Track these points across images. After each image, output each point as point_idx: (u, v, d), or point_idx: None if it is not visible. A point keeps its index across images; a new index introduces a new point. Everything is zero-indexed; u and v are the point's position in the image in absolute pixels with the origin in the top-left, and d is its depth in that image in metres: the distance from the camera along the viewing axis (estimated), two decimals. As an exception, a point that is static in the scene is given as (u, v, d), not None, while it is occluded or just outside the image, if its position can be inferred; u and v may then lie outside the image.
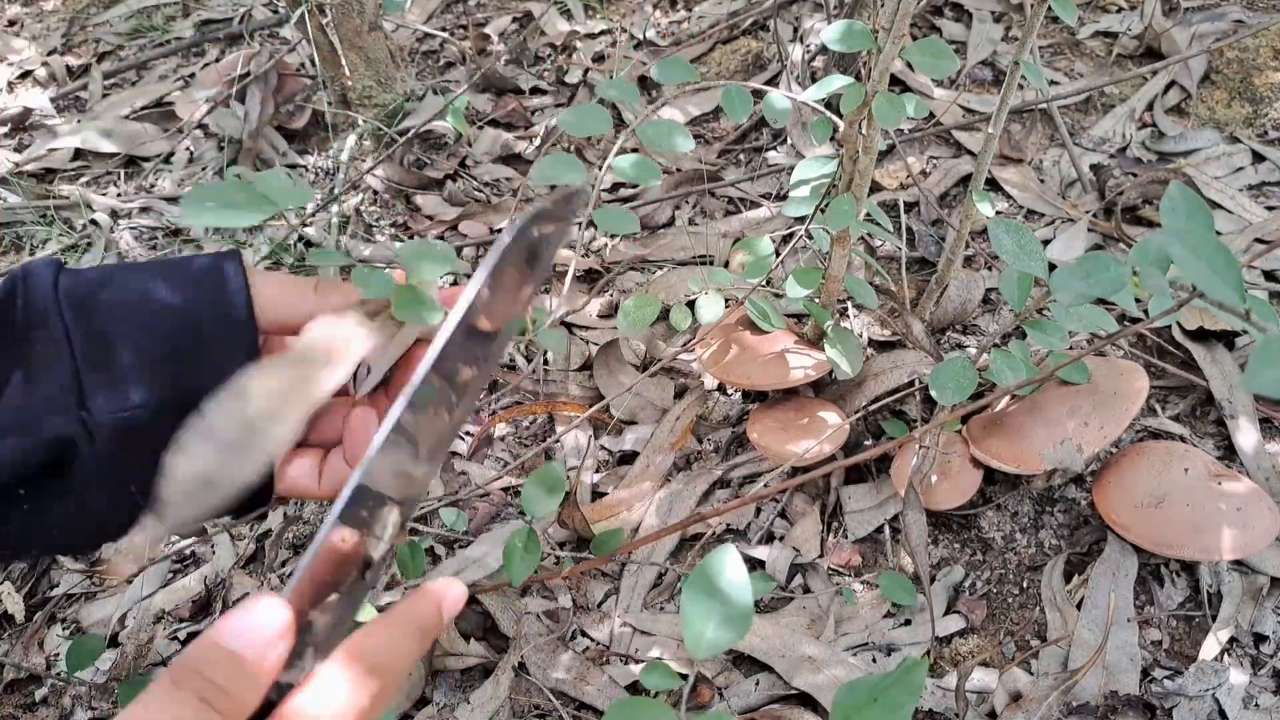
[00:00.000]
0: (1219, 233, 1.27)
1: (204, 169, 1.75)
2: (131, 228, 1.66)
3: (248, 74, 1.79)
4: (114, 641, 1.09)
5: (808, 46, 1.65)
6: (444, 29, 2.00)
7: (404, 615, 0.47)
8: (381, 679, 0.44)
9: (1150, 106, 1.48)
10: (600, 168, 1.62)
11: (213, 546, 1.16)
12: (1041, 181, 1.41)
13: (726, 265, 1.36)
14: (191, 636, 1.08)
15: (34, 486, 0.54)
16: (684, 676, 0.88)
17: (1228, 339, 1.12)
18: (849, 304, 1.24)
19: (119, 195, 1.74)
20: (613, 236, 1.48)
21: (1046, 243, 1.31)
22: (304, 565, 0.45)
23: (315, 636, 0.45)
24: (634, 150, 0.75)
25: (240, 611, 0.42)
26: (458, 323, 0.51)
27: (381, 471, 0.48)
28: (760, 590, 0.98)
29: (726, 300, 1.09)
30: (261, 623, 0.42)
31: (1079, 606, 0.94)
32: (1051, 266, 1.17)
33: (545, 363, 1.31)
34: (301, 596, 0.44)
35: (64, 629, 1.13)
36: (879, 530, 1.05)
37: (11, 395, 0.53)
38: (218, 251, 0.58)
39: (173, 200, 1.70)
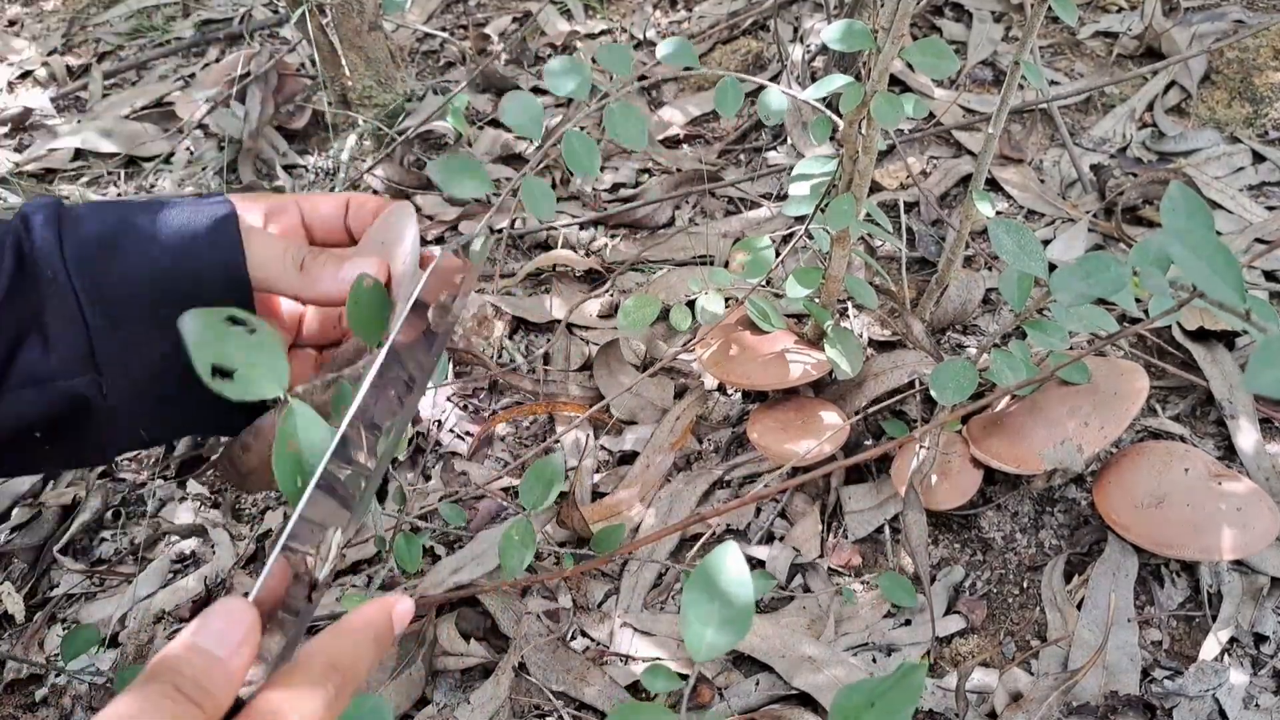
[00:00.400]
0: (1219, 233, 1.27)
1: (204, 169, 1.75)
2: (131, 228, 1.66)
3: (248, 74, 1.79)
4: (114, 641, 1.09)
5: (808, 46, 1.65)
6: (444, 29, 2.00)
7: (362, 622, 0.49)
8: (344, 681, 0.45)
9: (1150, 106, 1.48)
10: (599, 168, 1.62)
11: (213, 547, 1.16)
12: (1042, 181, 1.41)
13: (726, 265, 1.36)
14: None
15: (52, 431, 0.59)
16: (684, 677, 0.88)
17: (1228, 339, 1.12)
18: (849, 304, 1.24)
19: (119, 195, 1.74)
20: (613, 236, 1.48)
21: (1047, 243, 1.31)
22: (261, 579, 0.47)
23: (268, 653, 0.46)
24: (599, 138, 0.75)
25: (211, 612, 0.44)
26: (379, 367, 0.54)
27: (317, 508, 0.51)
28: (761, 589, 0.98)
29: (726, 300, 1.09)
30: (233, 622, 0.44)
31: (1079, 606, 0.94)
32: (1052, 267, 1.17)
33: (545, 363, 1.31)
34: (261, 605, 0.46)
35: (64, 629, 1.13)
36: (879, 530, 1.05)
37: (29, 356, 0.57)
38: (216, 203, 0.61)
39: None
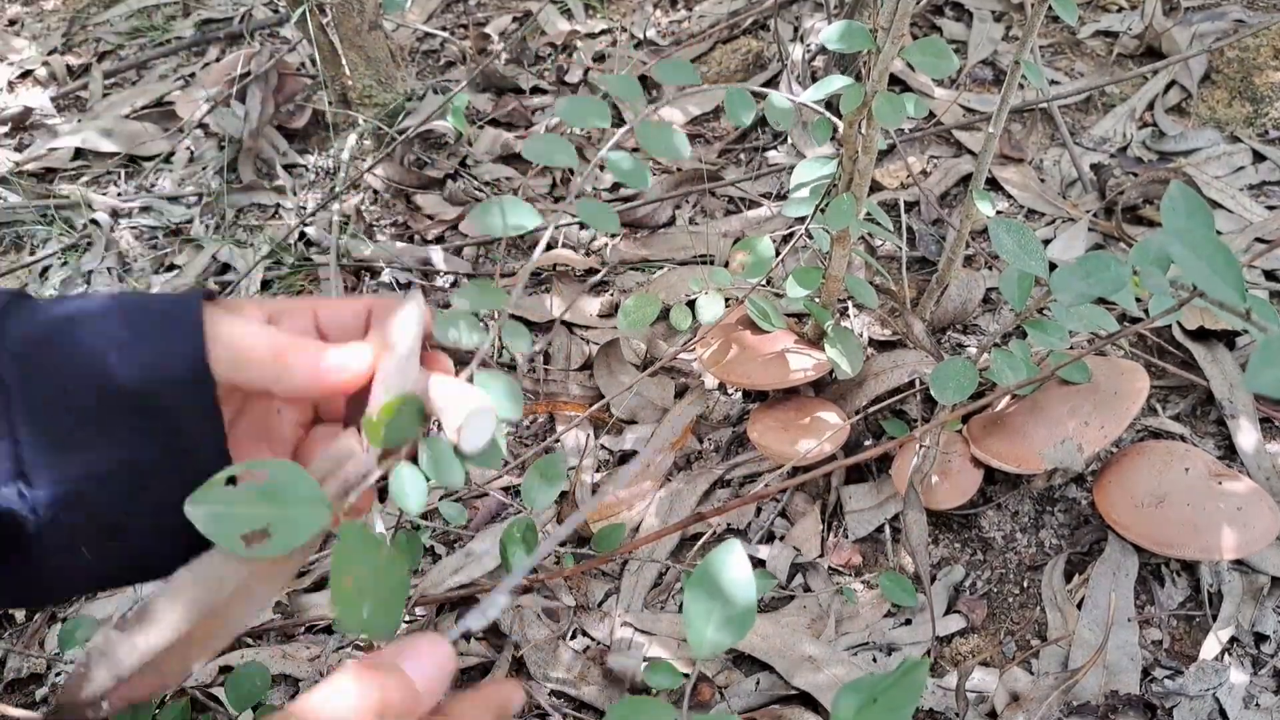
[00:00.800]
0: (1219, 232, 1.27)
1: (204, 168, 1.75)
2: (132, 227, 1.66)
3: (248, 73, 1.79)
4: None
5: (808, 46, 1.65)
6: (444, 28, 2.00)
7: (495, 700, 0.50)
8: None
9: (1151, 106, 1.48)
10: (600, 168, 1.62)
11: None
12: (1042, 181, 1.41)
13: (727, 265, 1.36)
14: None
15: None
16: (685, 675, 0.88)
17: (1228, 339, 1.12)
18: (849, 304, 1.24)
19: (119, 195, 1.74)
20: (613, 236, 1.48)
21: (1047, 242, 1.31)
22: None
23: None
24: (633, 150, 0.75)
25: (422, 643, 0.46)
26: None
27: None
28: (762, 588, 0.98)
29: (727, 300, 1.09)
30: (438, 660, 0.46)
31: (1079, 606, 0.94)
32: (1052, 266, 1.17)
33: (545, 362, 1.31)
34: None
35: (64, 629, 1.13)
36: (879, 530, 1.05)
37: None
38: (182, 295, 0.53)
39: (173, 200, 1.70)
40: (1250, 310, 0.51)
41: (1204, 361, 1.10)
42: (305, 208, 1.62)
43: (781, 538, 1.06)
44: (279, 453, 0.58)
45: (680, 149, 0.74)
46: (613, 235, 1.48)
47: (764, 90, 0.84)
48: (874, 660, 0.94)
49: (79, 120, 1.92)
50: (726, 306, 1.08)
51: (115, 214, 1.68)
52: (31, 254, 1.64)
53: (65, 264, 1.60)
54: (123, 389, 0.49)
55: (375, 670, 0.43)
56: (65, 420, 0.49)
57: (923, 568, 0.96)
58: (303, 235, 1.57)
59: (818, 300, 1.05)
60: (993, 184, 1.41)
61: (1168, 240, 0.51)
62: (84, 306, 0.51)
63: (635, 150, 0.78)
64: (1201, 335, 1.12)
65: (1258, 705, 0.86)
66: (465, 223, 0.76)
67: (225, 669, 1.02)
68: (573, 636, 1.01)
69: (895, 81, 1.58)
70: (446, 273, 1.46)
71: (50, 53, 2.14)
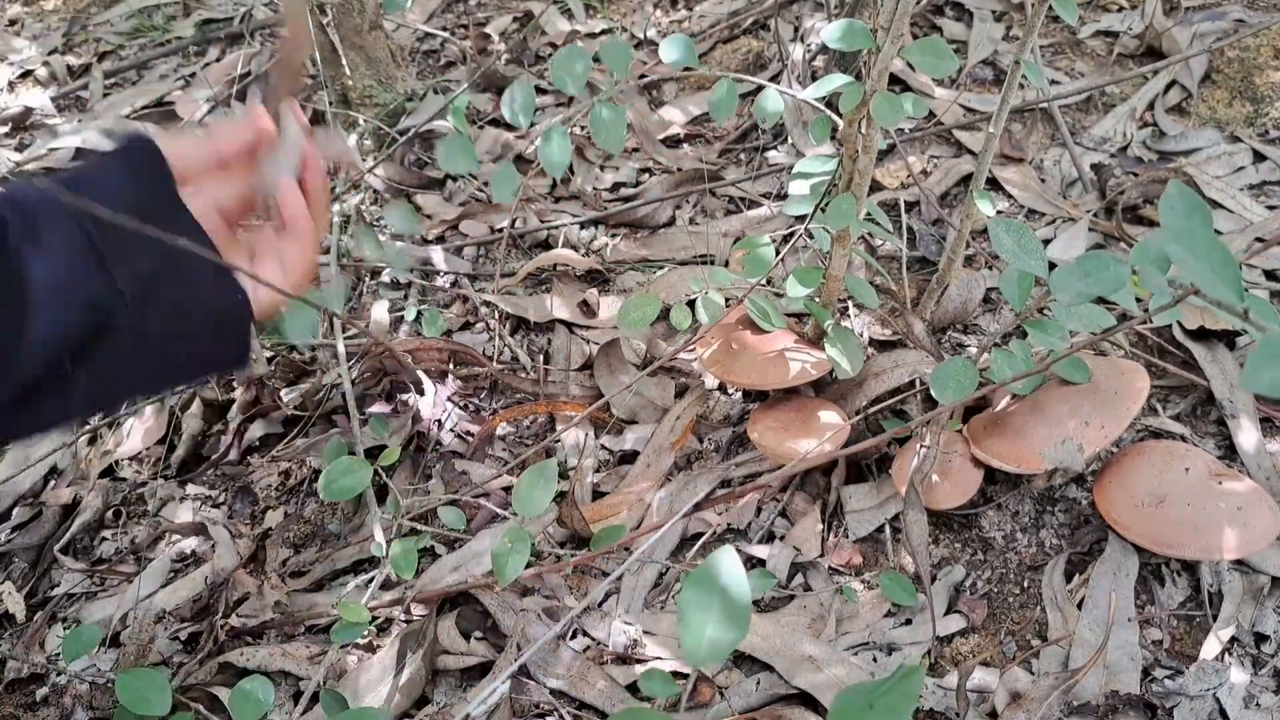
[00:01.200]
0: (1219, 232, 1.27)
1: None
2: (132, 227, 1.66)
3: (248, 73, 1.79)
4: (115, 641, 1.09)
5: (808, 46, 1.65)
6: (444, 28, 2.00)
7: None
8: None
9: (1151, 106, 1.48)
10: (600, 168, 1.62)
11: (213, 545, 1.16)
12: (1042, 181, 1.41)
13: (727, 264, 1.36)
14: (193, 636, 1.08)
15: (81, 353, 0.58)
16: (684, 676, 0.88)
17: (1228, 338, 1.12)
18: (849, 303, 1.24)
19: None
20: (613, 236, 1.48)
21: (1047, 242, 1.31)
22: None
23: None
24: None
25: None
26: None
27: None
28: (761, 587, 0.98)
29: (727, 300, 1.09)
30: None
31: (1080, 606, 0.94)
32: (1052, 266, 1.17)
33: (545, 362, 1.31)
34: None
35: (65, 628, 1.13)
36: (879, 530, 1.05)
37: (36, 278, 0.56)
38: (136, 145, 0.65)
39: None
40: (1249, 310, 0.51)
41: (1204, 361, 1.10)
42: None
43: (782, 538, 1.06)
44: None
45: (617, 144, 0.79)
46: (613, 235, 1.48)
47: (762, 82, 0.84)
48: (874, 660, 0.94)
49: (79, 120, 1.92)
50: (727, 306, 1.08)
51: (115, 214, 1.68)
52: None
53: (65, 264, 1.61)
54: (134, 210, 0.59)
55: None
56: (115, 228, 0.57)
57: (923, 567, 0.95)
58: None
59: (818, 300, 1.05)
60: (993, 184, 1.41)
61: (1166, 240, 0.51)
62: (74, 173, 0.63)
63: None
64: (1202, 335, 1.12)
65: (1258, 705, 0.85)
66: (440, 157, 0.80)
67: (224, 665, 1.02)
68: (573, 636, 1.01)
69: (896, 81, 1.58)
70: (446, 273, 1.46)
71: (50, 53, 2.14)
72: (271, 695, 0.83)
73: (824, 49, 1.62)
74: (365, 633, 0.99)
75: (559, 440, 1.20)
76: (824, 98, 0.84)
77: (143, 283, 0.59)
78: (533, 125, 1.71)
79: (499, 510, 1.11)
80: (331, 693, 0.83)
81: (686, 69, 0.79)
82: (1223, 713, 0.85)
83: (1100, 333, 0.83)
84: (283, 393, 1.28)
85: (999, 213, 1.38)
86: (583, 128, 1.68)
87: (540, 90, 1.79)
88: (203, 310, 0.63)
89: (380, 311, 1.39)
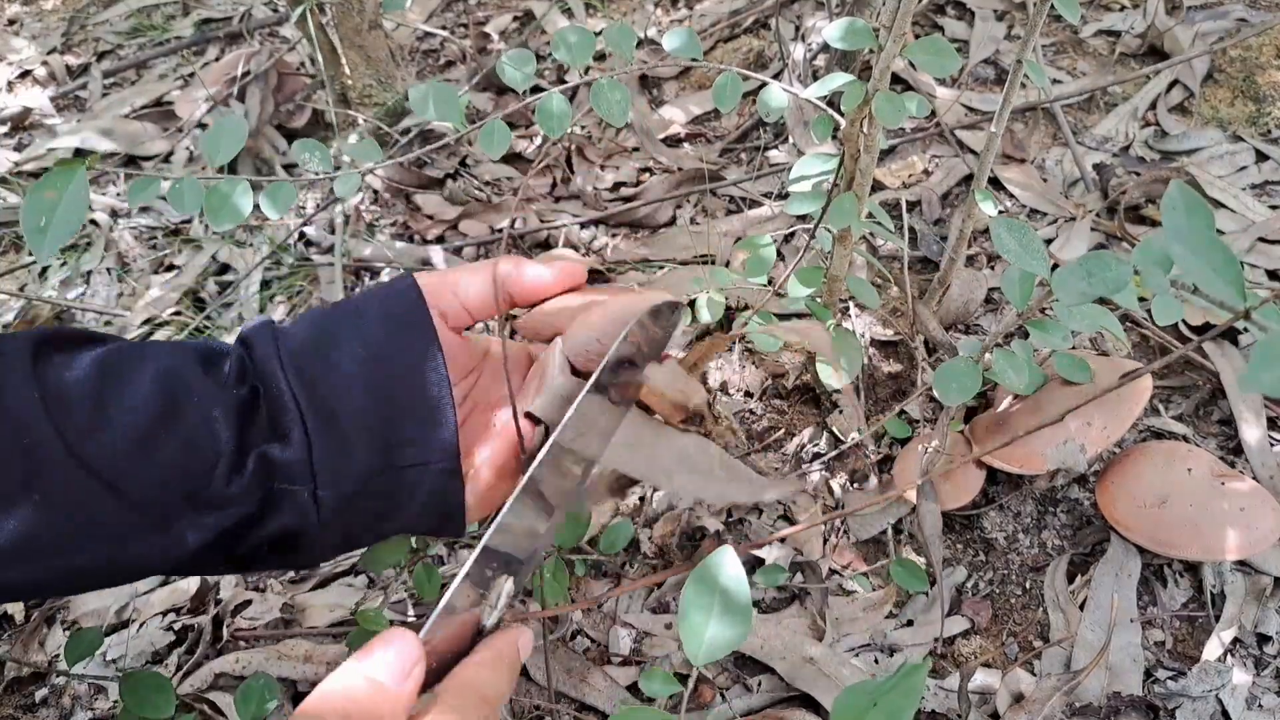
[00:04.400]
0: (1221, 232, 1.27)
1: (204, 168, 1.74)
2: (131, 227, 1.65)
3: (248, 73, 1.79)
4: (110, 631, 1.09)
5: (809, 45, 1.64)
6: (444, 28, 2.00)
7: (496, 654, 0.51)
8: (490, 713, 0.48)
9: (1153, 105, 1.48)
10: (600, 167, 1.62)
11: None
12: (1044, 180, 1.40)
13: (728, 264, 1.35)
14: (185, 629, 1.08)
15: (274, 545, 0.58)
16: (685, 678, 0.88)
17: (1232, 335, 1.11)
18: (850, 303, 1.24)
19: (119, 195, 1.74)
20: (614, 236, 1.48)
21: (1049, 242, 1.31)
22: (432, 619, 0.49)
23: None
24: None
25: (381, 642, 0.46)
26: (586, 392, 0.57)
27: (510, 532, 0.53)
28: (771, 581, 0.98)
29: (727, 301, 1.08)
30: (401, 655, 0.46)
31: (1082, 607, 0.93)
32: (1055, 265, 1.16)
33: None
34: (428, 644, 0.48)
35: (64, 629, 1.12)
36: (882, 533, 1.04)
37: (240, 472, 0.56)
38: (399, 286, 0.63)
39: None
40: (1250, 309, 0.51)
41: (1214, 356, 1.09)
42: (305, 208, 1.62)
43: (783, 539, 1.06)
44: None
45: (622, 115, 0.78)
46: (614, 235, 1.48)
47: (764, 79, 0.83)
48: (876, 662, 0.94)
49: (78, 120, 1.92)
50: (728, 308, 1.07)
51: (115, 214, 1.68)
52: (31, 254, 1.64)
53: (64, 264, 1.60)
54: (382, 387, 0.58)
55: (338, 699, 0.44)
56: (340, 417, 0.56)
57: (935, 559, 0.95)
58: (302, 235, 1.56)
59: (820, 300, 1.05)
60: (995, 183, 1.41)
61: (1167, 239, 0.51)
62: (329, 325, 0.60)
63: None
64: (1208, 331, 1.12)
65: (1260, 706, 0.85)
66: (480, 141, 0.80)
67: (222, 671, 1.02)
68: (573, 637, 1.00)
69: (897, 80, 1.57)
70: (447, 272, 1.46)
71: (50, 52, 2.13)
72: (276, 696, 0.82)
73: (825, 48, 1.61)
74: (365, 633, 0.99)
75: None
76: (825, 96, 0.84)
77: (344, 496, 0.57)
78: (529, 126, 1.71)
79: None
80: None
81: (689, 66, 0.79)
82: (1225, 714, 0.85)
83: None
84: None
85: (1001, 212, 1.37)
86: (583, 127, 1.68)
87: (539, 90, 1.79)
88: (411, 507, 0.60)
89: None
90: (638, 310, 0.62)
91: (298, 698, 0.98)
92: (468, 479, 0.61)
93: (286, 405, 0.56)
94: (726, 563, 0.51)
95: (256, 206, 0.74)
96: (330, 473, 0.56)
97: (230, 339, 0.65)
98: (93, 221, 1.66)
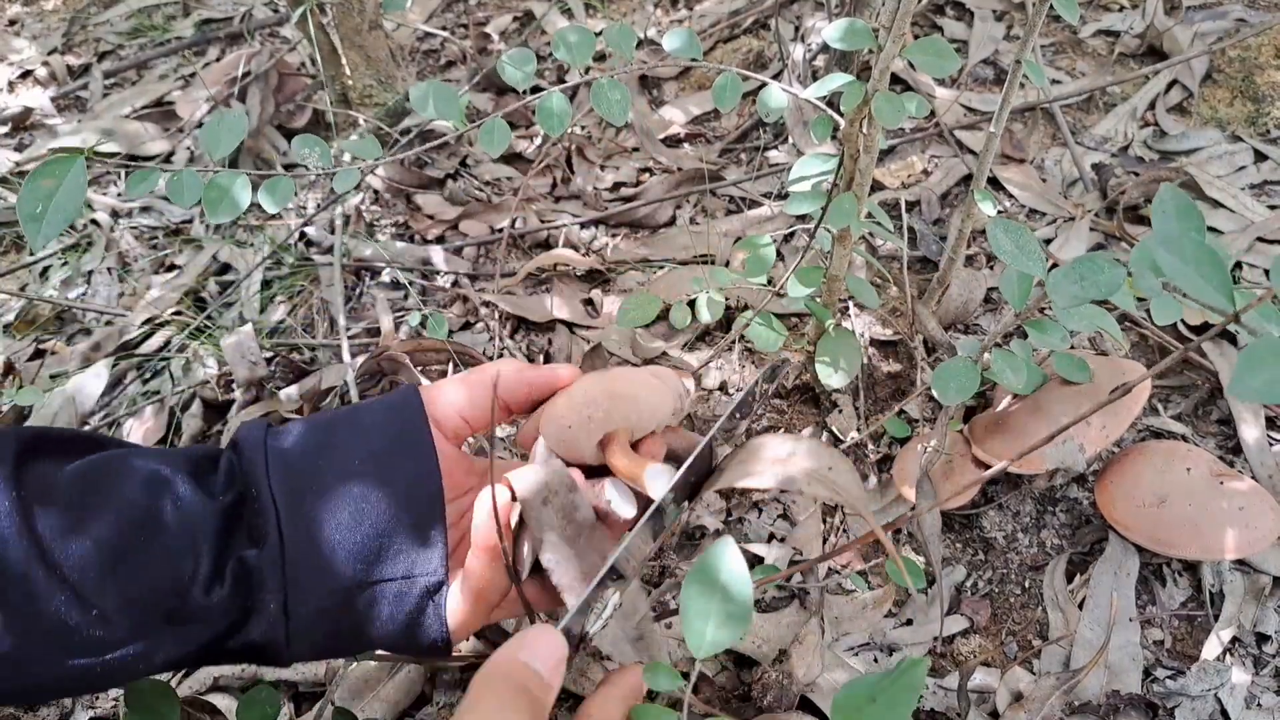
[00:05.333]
0: (1220, 231, 1.27)
1: (204, 168, 1.75)
2: (132, 228, 1.66)
3: (248, 73, 1.79)
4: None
5: (809, 45, 1.65)
6: (445, 28, 2.00)
7: (626, 688, 0.54)
8: None
9: (1152, 105, 1.48)
10: (600, 167, 1.62)
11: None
12: (1043, 181, 1.41)
13: (728, 264, 1.36)
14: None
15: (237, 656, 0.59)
16: (685, 676, 0.88)
17: (1231, 334, 1.12)
18: (850, 303, 1.24)
19: (119, 195, 1.74)
20: (613, 236, 1.48)
21: (1048, 241, 1.31)
22: (569, 617, 0.54)
23: None
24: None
25: (534, 634, 0.50)
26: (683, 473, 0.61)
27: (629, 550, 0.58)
28: (767, 574, 0.98)
29: (728, 301, 1.09)
30: (553, 647, 0.50)
31: (1081, 606, 0.93)
32: (1053, 266, 1.17)
33: (545, 362, 1.31)
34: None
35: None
36: (880, 530, 1.04)
37: (220, 581, 0.56)
38: (399, 397, 0.64)
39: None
40: (1239, 312, 0.51)
41: (1213, 355, 1.09)
42: (305, 208, 1.62)
43: (782, 539, 1.06)
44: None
45: (623, 113, 0.79)
46: (614, 235, 1.48)
47: (763, 79, 0.83)
48: (875, 661, 0.94)
49: (79, 120, 1.92)
50: (728, 308, 1.07)
51: (115, 214, 1.68)
52: (31, 254, 1.64)
53: (65, 264, 1.60)
54: (373, 508, 0.58)
55: (508, 679, 0.48)
56: (327, 538, 0.57)
57: (935, 558, 0.95)
58: (303, 235, 1.56)
59: (819, 300, 1.05)
60: (994, 183, 1.41)
61: (1154, 244, 0.51)
62: (326, 436, 0.61)
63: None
64: (1206, 330, 1.12)
65: (1259, 705, 0.85)
66: (480, 139, 0.81)
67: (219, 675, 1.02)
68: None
69: (897, 80, 1.58)
70: (446, 273, 1.46)
71: (50, 53, 2.14)
72: (280, 704, 0.82)
73: (825, 48, 1.62)
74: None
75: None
76: (825, 97, 0.84)
77: (327, 609, 0.57)
78: (529, 126, 1.71)
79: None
80: (342, 711, 0.82)
81: (687, 68, 0.79)
82: (1224, 713, 0.85)
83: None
84: (282, 393, 1.28)
85: (1000, 212, 1.37)
86: (583, 127, 1.68)
87: (539, 90, 1.79)
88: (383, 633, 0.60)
89: (386, 319, 1.39)
90: (597, 392, 0.64)
91: (299, 699, 0.98)
92: (453, 599, 0.61)
93: (267, 513, 0.57)
94: (728, 554, 0.51)
95: (257, 205, 0.74)
96: (303, 584, 0.56)
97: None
98: (94, 221, 1.66)
